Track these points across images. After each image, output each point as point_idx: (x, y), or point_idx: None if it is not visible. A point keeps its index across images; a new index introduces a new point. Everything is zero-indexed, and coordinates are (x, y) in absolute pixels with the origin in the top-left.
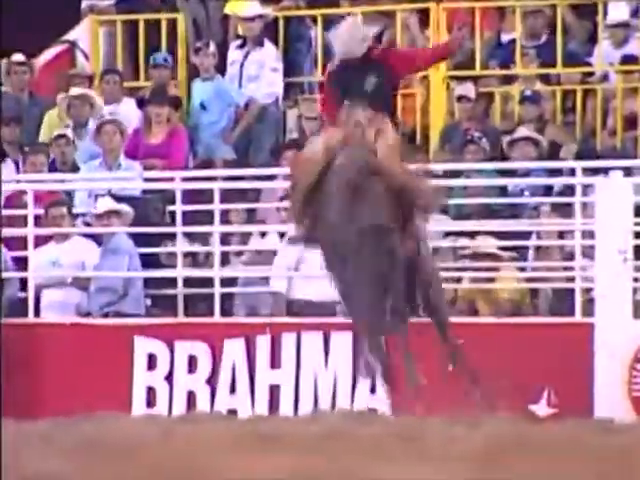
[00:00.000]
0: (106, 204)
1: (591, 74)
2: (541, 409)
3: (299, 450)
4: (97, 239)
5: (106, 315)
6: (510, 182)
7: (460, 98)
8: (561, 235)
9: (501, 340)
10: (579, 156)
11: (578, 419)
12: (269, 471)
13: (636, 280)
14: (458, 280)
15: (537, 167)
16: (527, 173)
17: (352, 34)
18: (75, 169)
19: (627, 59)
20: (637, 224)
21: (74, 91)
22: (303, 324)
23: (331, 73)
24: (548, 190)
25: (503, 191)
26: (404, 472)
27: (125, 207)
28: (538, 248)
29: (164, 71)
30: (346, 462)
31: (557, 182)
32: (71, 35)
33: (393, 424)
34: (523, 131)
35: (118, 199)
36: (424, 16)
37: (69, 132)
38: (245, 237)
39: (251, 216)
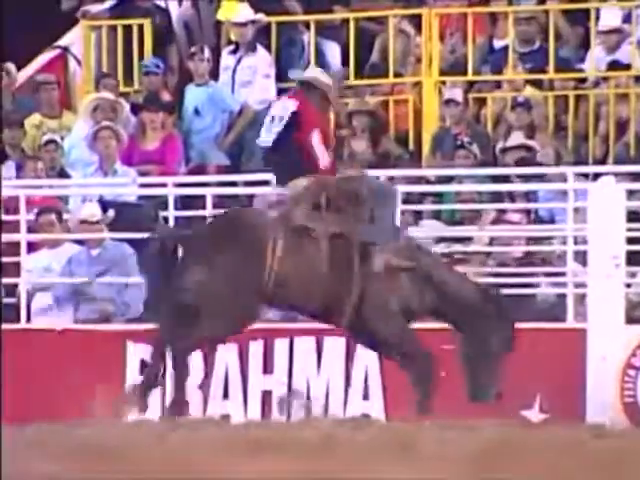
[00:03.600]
0: (92, 210)
1: (583, 80)
2: (534, 415)
3: (293, 455)
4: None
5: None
6: (502, 188)
7: (447, 102)
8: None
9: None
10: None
11: (570, 424)
12: (263, 475)
13: (628, 286)
14: None
15: (530, 173)
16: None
17: None
18: (63, 175)
19: (618, 64)
20: (629, 229)
21: (105, 94)
22: (296, 329)
23: None
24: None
25: (495, 196)
26: (398, 476)
27: (110, 213)
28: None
29: (155, 77)
30: (340, 466)
31: (550, 188)
32: (63, 41)
33: (387, 429)
34: (516, 138)
35: (112, 205)
36: (416, 22)
37: (58, 137)
38: None
39: None
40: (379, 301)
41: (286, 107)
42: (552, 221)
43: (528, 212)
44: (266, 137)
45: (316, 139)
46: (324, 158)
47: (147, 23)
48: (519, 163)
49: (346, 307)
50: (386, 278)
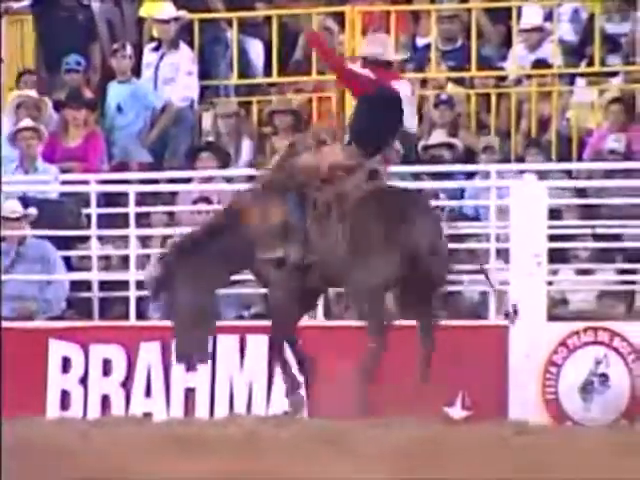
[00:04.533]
0: (12, 207)
1: (504, 78)
2: (456, 412)
3: (217, 452)
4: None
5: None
6: (426, 185)
7: None
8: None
9: (417, 342)
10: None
11: (493, 421)
12: (188, 473)
13: (550, 283)
14: None
15: (453, 170)
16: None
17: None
18: None
19: (540, 63)
20: (551, 227)
21: (28, 92)
22: (219, 327)
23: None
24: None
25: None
26: (324, 472)
27: (32, 210)
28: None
29: (77, 74)
30: (265, 464)
31: (472, 185)
32: None
33: (310, 426)
34: (438, 136)
35: (33, 202)
36: (340, 19)
37: None
38: (165, 240)
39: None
40: None
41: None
42: (477, 218)
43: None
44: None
45: None
46: None
47: (29, 20)
48: (434, 161)
49: None
50: None
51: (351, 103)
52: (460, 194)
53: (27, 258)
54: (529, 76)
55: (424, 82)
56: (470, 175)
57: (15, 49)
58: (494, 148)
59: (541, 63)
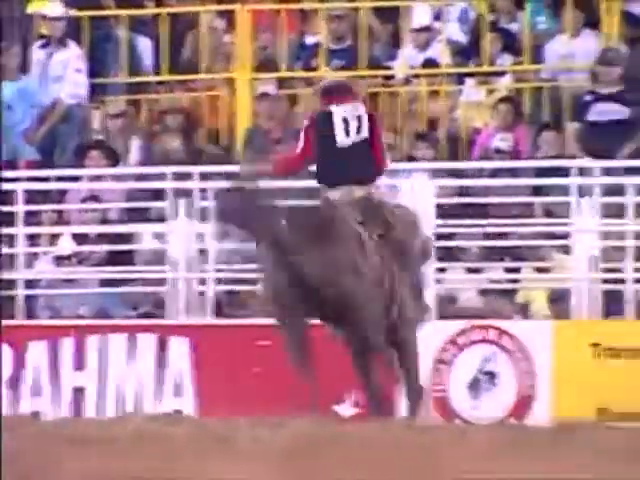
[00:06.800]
0: None
1: (394, 77)
2: (346, 410)
3: (107, 452)
4: None
5: None
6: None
7: (261, 96)
8: None
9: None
10: None
11: (382, 419)
12: (78, 473)
13: (438, 281)
14: None
15: None
16: None
17: None
18: None
19: (429, 62)
20: (439, 226)
21: None
22: (108, 326)
23: None
24: None
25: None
26: (214, 471)
27: None
28: None
29: None
30: (156, 462)
31: None
32: None
33: (200, 425)
34: None
35: None
36: (229, 18)
37: None
38: (54, 238)
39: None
40: None
41: (358, 110)
42: None
43: None
44: (347, 139)
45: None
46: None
47: None
48: None
49: None
50: None
51: (242, 103)
52: None
53: None
54: (418, 76)
55: (311, 81)
56: None
57: None
58: (391, 145)
59: (430, 63)
